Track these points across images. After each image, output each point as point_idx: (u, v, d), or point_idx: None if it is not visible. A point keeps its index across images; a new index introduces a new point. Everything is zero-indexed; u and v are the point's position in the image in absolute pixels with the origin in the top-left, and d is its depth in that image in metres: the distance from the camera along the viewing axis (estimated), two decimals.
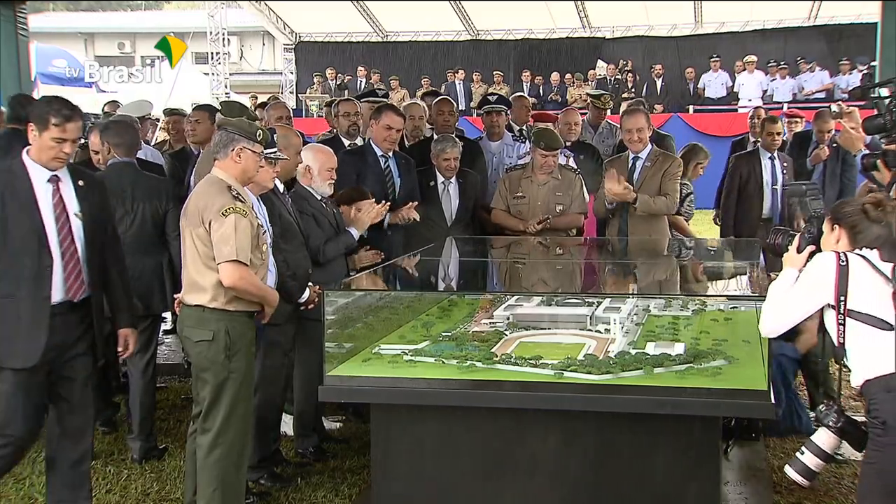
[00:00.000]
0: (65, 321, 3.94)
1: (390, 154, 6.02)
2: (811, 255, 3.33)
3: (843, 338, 3.13)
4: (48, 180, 3.92)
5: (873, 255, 3.17)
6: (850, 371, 3.18)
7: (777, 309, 3.28)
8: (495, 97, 7.62)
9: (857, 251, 3.18)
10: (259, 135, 4.08)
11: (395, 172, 6.01)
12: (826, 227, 3.33)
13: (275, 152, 4.37)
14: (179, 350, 6.64)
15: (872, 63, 15.17)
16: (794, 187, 3.52)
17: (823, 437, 3.24)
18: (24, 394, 3.89)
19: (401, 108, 6.86)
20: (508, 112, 7.48)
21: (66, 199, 3.96)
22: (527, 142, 7.02)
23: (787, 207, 6.05)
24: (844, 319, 3.11)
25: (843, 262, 3.13)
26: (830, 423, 3.22)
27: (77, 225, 3.96)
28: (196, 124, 6.47)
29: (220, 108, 6.51)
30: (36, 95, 11.15)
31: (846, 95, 15.17)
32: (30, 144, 3.93)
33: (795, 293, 3.25)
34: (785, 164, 7.33)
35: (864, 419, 3.20)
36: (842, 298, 3.10)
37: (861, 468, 3.24)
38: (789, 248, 3.42)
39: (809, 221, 3.39)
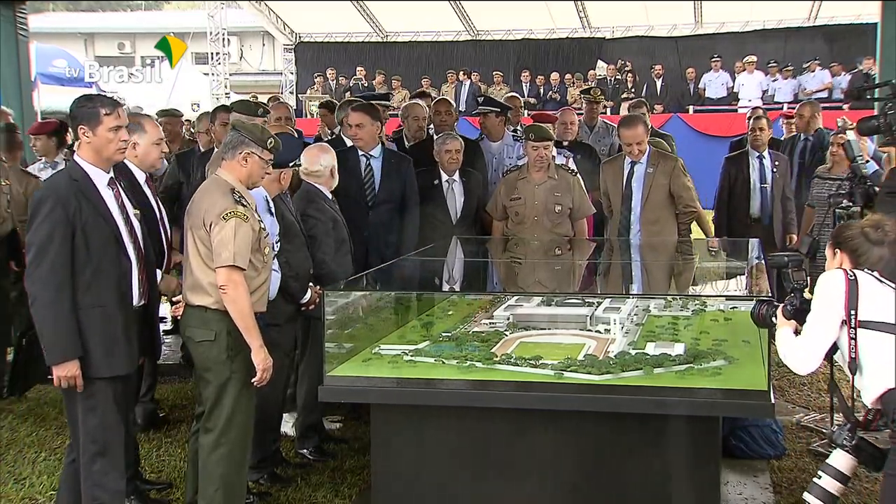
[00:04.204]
0: (140, 324, 3.96)
1: (375, 154, 5.91)
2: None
3: (856, 352, 3.10)
4: (108, 184, 3.85)
5: (874, 275, 3.17)
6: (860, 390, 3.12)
7: (800, 346, 3.23)
8: (482, 98, 7.64)
9: (861, 270, 3.18)
10: (270, 142, 4.06)
11: (378, 174, 5.88)
12: (828, 252, 3.33)
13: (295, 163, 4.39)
14: (179, 350, 6.65)
15: (866, 69, 15.22)
16: (778, 258, 3.46)
17: (840, 459, 3.19)
18: (121, 404, 3.87)
19: (401, 108, 6.86)
20: (506, 112, 7.47)
21: (124, 199, 3.92)
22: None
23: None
24: (856, 333, 3.09)
25: (851, 277, 3.13)
26: (844, 443, 3.17)
27: (138, 225, 3.95)
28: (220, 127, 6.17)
29: (232, 106, 6.42)
30: (36, 96, 11.19)
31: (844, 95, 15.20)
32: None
33: (813, 320, 3.20)
34: (776, 163, 7.35)
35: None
36: (852, 312, 3.08)
37: (884, 480, 3.17)
38: (773, 319, 3.39)
39: (792, 293, 3.33)
